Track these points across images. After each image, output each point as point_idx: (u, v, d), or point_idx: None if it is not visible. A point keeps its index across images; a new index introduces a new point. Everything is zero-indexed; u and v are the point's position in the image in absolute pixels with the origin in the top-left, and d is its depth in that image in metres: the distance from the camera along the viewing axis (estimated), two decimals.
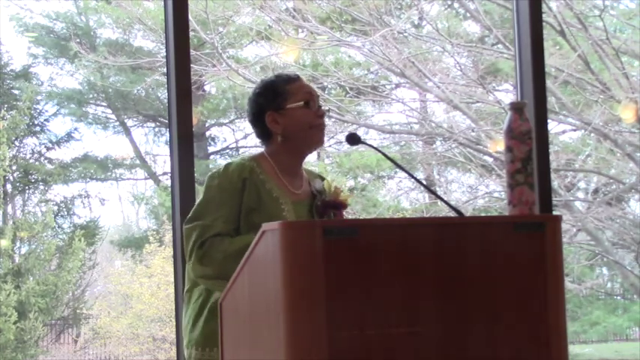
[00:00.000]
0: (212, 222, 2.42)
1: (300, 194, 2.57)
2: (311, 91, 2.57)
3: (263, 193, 2.49)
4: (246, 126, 11.97)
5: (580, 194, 10.43)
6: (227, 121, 12.08)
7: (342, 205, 2.56)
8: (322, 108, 2.58)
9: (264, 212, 2.45)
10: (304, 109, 2.52)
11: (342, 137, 10.02)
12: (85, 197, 11.23)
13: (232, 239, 2.41)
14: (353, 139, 2.48)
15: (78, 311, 10.84)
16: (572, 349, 10.62)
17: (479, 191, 10.36)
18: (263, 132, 2.58)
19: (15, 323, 9.51)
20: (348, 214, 2.59)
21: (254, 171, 2.51)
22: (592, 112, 9.08)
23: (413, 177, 2.56)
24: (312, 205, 2.58)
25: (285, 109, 2.52)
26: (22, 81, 11.10)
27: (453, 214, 2.24)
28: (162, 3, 3.51)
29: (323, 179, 2.66)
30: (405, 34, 9.93)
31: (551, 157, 6.74)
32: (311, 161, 9.56)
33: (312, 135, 2.55)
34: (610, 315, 10.97)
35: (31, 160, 11.06)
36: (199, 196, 2.53)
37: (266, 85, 2.58)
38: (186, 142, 3.34)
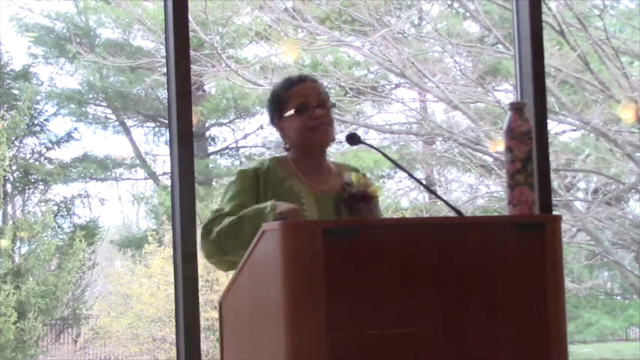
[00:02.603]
0: (229, 208, 2.49)
1: (325, 189, 2.55)
2: (307, 94, 2.56)
3: (281, 189, 2.50)
4: (245, 126, 11.98)
5: (580, 194, 10.43)
6: (227, 121, 12.08)
7: (370, 197, 2.51)
8: (318, 110, 2.54)
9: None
10: (297, 115, 2.54)
11: (342, 137, 10.00)
12: (84, 197, 11.24)
13: (232, 216, 2.45)
14: (353, 139, 2.48)
15: (78, 311, 10.84)
16: (572, 349, 10.61)
17: (479, 191, 10.36)
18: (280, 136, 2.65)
19: (15, 323, 9.51)
20: None
21: (272, 170, 2.55)
22: (591, 112, 9.08)
23: (413, 177, 2.56)
24: (339, 198, 2.54)
25: (283, 118, 2.57)
26: (22, 81, 11.10)
27: (453, 214, 2.24)
28: (162, 3, 3.51)
29: (358, 172, 2.62)
30: (405, 34, 9.92)
31: (551, 157, 6.73)
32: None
33: (308, 137, 2.55)
34: (604, 316, 10.95)
35: (31, 160, 11.06)
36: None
37: (273, 93, 2.64)
38: (186, 142, 3.33)
